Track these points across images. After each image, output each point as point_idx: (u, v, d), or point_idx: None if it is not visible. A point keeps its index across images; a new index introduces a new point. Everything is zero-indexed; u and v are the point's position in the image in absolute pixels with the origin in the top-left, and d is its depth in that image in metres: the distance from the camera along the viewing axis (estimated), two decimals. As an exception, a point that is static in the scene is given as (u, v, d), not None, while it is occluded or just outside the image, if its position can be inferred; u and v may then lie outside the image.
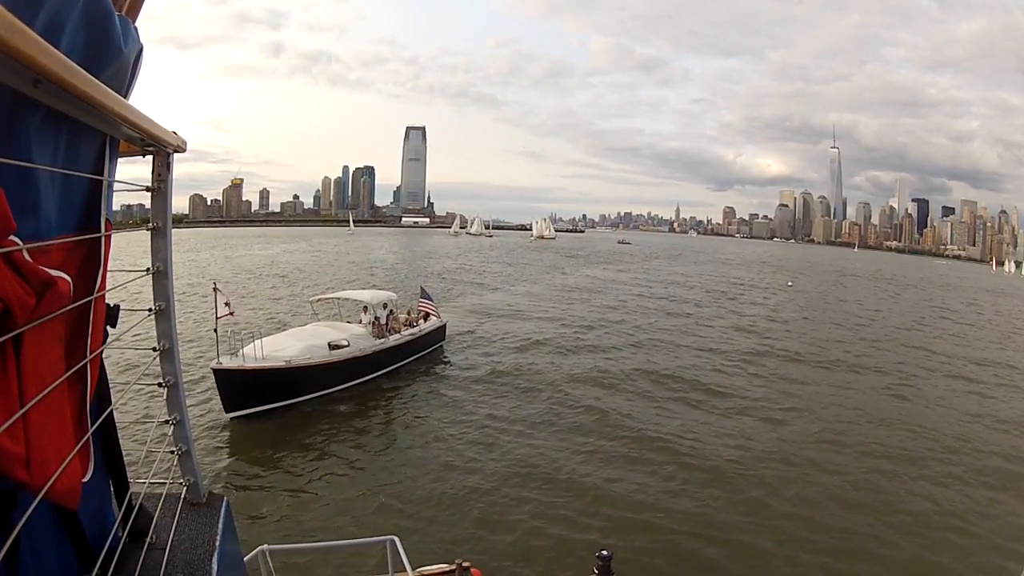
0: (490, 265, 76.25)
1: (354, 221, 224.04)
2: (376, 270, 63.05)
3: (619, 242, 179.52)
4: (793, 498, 13.26)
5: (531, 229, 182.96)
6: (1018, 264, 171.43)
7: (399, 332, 21.92)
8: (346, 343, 18.98)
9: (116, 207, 2.01)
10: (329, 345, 18.56)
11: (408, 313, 24.57)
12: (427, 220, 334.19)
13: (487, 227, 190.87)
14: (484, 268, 70.64)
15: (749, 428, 17.45)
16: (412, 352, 22.39)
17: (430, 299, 25.18)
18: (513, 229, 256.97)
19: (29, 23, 1.03)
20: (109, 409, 1.90)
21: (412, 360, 22.25)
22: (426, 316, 24.46)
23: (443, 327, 25.36)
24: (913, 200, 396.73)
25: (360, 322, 21.83)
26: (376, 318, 21.28)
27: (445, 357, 24.27)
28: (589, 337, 29.16)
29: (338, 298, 24.28)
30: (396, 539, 6.01)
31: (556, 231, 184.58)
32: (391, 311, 23.38)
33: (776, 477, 14.25)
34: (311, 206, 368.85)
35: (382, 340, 20.61)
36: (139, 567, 1.96)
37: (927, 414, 19.71)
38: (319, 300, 24.61)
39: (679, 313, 38.75)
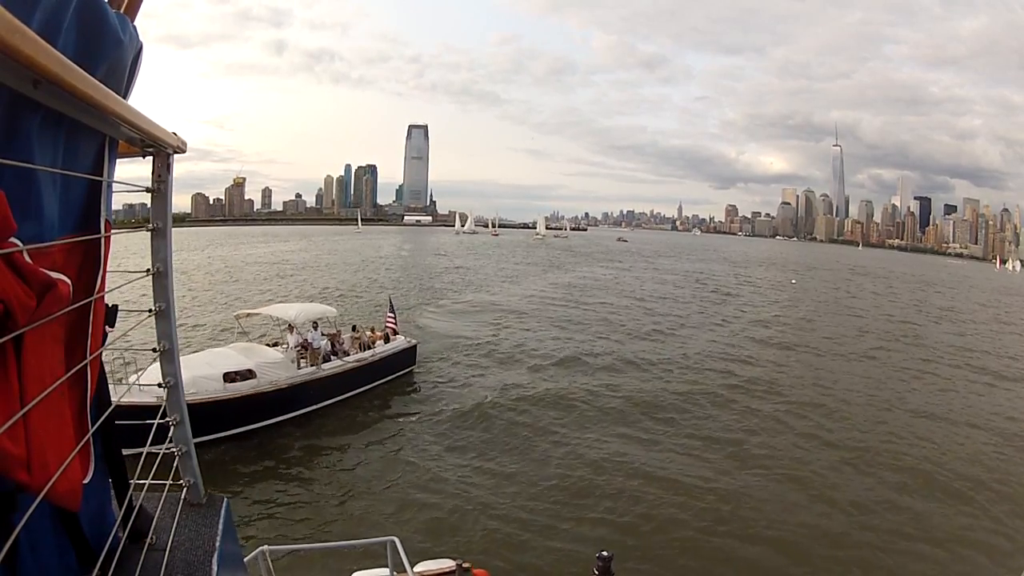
0: (499, 262, 76.33)
1: (356, 220, 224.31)
2: (380, 268, 63.04)
3: (618, 240, 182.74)
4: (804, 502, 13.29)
5: (535, 227, 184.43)
6: (1023, 263, 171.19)
7: (349, 356, 18.44)
8: (252, 374, 15.31)
9: (118, 206, 2.01)
10: (225, 376, 14.89)
11: (372, 331, 20.95)
12: (429, 218, 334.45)
13: (493, 225, 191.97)
14: (486, 268, 70.53)
15: (762, 435, 17.43)
16: (363, 382, 18.43)
17: (395, 314, 21.60)
18: (516, 227, 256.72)
19: (25, 22, 1.02)
20: (109, 410, 1.90)
21: (362, 392, 18.28)
22: (386, 337, 20.50)
23: (412, 349, 21.10)
24: (915, 198, 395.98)
25: (285, 344, 17.89)
26: (306, 340, 17.48)
27: (411, 387, 19.89)
28: (591, 352, 26.13)
29: (261, 314, 19.48)
30: (396, 539, 6.00)
31: (552, 229, 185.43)
32: (354, 329, 20.58)
33: (786, 484, 14.26)
34: (313, 205, 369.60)
35: (310, 369, 16.79)
36: (139, 567, 1.96)
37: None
38: (246, 315, 19.69)
39: (682, 327, 37.14)
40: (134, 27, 1.78)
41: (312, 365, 16.96)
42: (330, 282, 48.45)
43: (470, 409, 17.68)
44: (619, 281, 59.38)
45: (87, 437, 1.69)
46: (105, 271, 1.79)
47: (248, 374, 15.27)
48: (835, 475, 14.48)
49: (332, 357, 17.88)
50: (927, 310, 51.64)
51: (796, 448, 16.03)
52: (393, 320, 21.28)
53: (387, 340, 20.39)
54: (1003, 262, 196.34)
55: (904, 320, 42.81)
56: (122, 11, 1.79)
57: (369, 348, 19.32)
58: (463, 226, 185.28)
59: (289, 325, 17.95)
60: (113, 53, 1.66)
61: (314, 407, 16.53)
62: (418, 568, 6.88)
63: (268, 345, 18.27)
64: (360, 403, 17.81)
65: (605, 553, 7.42)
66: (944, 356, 30.31)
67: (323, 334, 18.21)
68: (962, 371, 27.08)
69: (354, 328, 20.88)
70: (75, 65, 1.22)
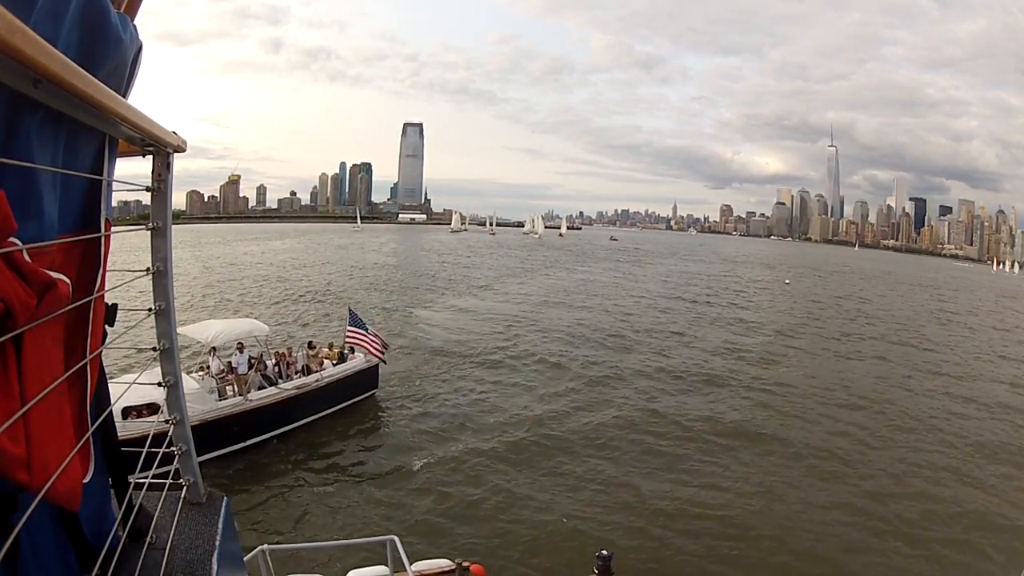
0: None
1: (351, 217, 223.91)
2: (368, 269, 62.81)
3: (610, 239, 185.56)
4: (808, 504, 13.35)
5: (523, 225, 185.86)
6: (1023, 265, 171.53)
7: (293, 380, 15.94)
8: (157, 408, 12.08)
9: (113, 203, 2.00)
10: (124, 412, 12.00)
11: (331, 347, 18.47)
12: (424, 217, 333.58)
13: (491, 224, 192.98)
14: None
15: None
16: (306, 412, 15.80)
17: (363, 327, 17.69)
18: (512, 226, 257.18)
19: (26, 22, 1.01)
20: (109, 409, 1.90)
21: (304, 424, 15.77)
22: (341, 355, 17.87)
23: (373, 369, 18.07)
24: (911, 199, 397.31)
25: (207, 369, 15.39)
26: (229, 365, 15.23)
27: (369, 417, 17.30)
28: (581, 359, 25.53)
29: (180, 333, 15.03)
30: (396, 539, 6.00)
31: (550, 228, 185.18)
32: (310, 346, 17.80)
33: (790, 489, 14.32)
34: (308, 203, 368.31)
35: (234, 401, 14.43)
36: (139, 567, 1.96)
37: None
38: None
39: (678, 334, 36.06)
40: (134, 26, 1.78)
41: (239, 395, 14.55)
42: (313, 280, 48.37)
43: (446, 433, 16.15)
44: (615, 285, 59.40)
45: (87, 436, 1.69)
46: (105, 270, 1.79)
47: (153, 408, 12.32)
48: (838, 477, 14.57)
49: (279, 380, 15.66)
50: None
51: (795, 449, 16.11)
52: (354, 335, 17.57)
53: (342, 359, 17.74)
54: (1000, 263, 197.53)
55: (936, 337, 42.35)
56: (122, 10, 1.78)
57: (313, 371, 16.67)
58: (461, 224, 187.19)
59: (211, 348, 15.25)
60: (114, 52, 1.66)
61: (240, 445, 14.04)
62: (416, 567, 6.88)
63: (202, 367, 15.78)
64: (296, 438, 15.32)
65: (605, 552, 7.45)
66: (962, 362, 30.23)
67: (256, 356, 15.70)
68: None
69: (310, 345, 18.24)
70: (75, 65, 1.22)
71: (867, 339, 34.03)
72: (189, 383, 13.43)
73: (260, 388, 15.17)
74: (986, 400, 22.32)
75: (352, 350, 17.98)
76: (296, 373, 16.26)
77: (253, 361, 15.48)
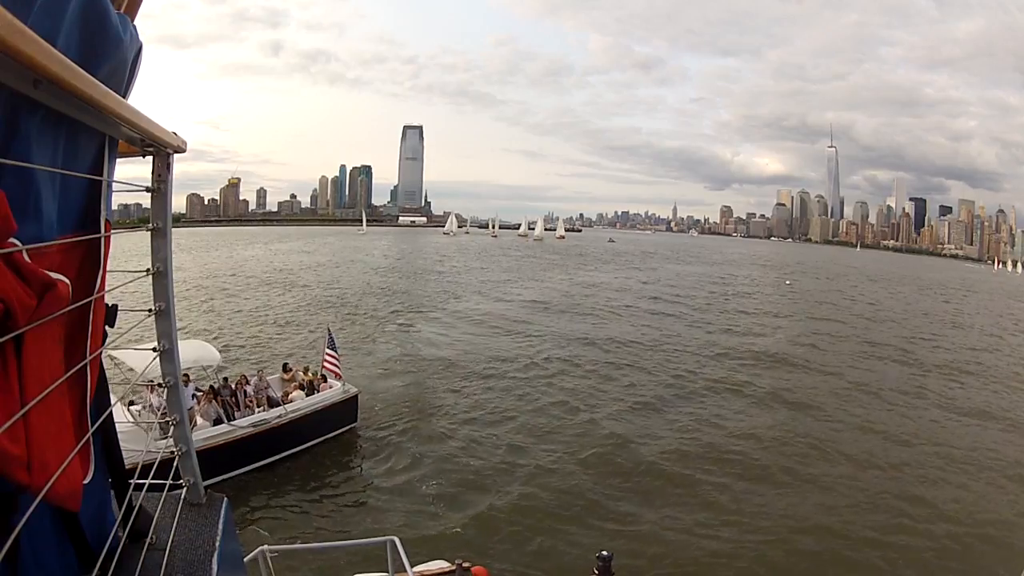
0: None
1: (351, 220, 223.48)
2: (357, 273, 62.71)
3: (609, 240, 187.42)
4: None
5: (519, 228, 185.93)
6: None
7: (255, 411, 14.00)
8: None
9: (114, 206, 2.00)
10: None
11: (306, 372, 16.36)
12: (424, 219, 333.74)
13: (492, 226, 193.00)
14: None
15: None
16: (266, 452, 13.70)
17: (335, 351, 16.08)
18: (513, 228, 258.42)
19: (26, 22, 1.01)
20: (109, 410, 1.89)
21: (268, 465, 13.69)
22: (312, 385, 15.67)
23: (351, 401, 15.82)
24: (910, 199, 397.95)
25: (149, 406, 12.74)
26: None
27: (366, 424, 16.28)
28: (577, 363, 26.43)
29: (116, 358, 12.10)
30: (396, 539, 6.00)
31: (548, 231, 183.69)
32: (285, 369, 16.25)
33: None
34: (308, 205, 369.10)
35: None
36: (139, 567, 1.95)
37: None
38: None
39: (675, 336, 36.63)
40: (134, 27, 1.78)
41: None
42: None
43: (445, 437, 15.80)
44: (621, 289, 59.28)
45: (87, 437, 1.69)
46: (105, 271, 1.78)
47: None
48: (842, 481, 14.54)
49: (236, 414, 13.66)
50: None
51: (796, 453, 16.09)
52: (332, 360, 15.82)
53: (313, 389, 15.44)
54: (1000, 263, 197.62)
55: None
56: (122, 11, 1.78)
57: (275, 405, 14.51)
58: (460, 227, 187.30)
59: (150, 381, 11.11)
60: (114, 53, 1.66)
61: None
62: (417, 568, 6.87)
63: (133, 402, 13.22)
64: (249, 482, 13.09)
65: (605, 553, 7.44)
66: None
67: (210, 387, 13.89)
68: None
69: (285, 367, 16.44)
70: (75, 65, 1.22)
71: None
72: (124, 419, 11.30)
73: (216, 421, 13.25)
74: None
75: (325, 378, 16.01)
76: (260, 408, 14.21)
77: (198, 396, 13.42)
